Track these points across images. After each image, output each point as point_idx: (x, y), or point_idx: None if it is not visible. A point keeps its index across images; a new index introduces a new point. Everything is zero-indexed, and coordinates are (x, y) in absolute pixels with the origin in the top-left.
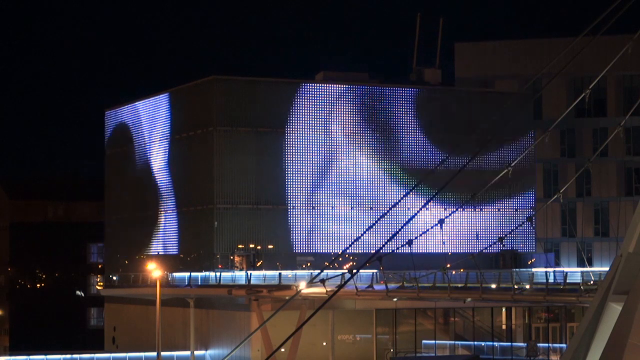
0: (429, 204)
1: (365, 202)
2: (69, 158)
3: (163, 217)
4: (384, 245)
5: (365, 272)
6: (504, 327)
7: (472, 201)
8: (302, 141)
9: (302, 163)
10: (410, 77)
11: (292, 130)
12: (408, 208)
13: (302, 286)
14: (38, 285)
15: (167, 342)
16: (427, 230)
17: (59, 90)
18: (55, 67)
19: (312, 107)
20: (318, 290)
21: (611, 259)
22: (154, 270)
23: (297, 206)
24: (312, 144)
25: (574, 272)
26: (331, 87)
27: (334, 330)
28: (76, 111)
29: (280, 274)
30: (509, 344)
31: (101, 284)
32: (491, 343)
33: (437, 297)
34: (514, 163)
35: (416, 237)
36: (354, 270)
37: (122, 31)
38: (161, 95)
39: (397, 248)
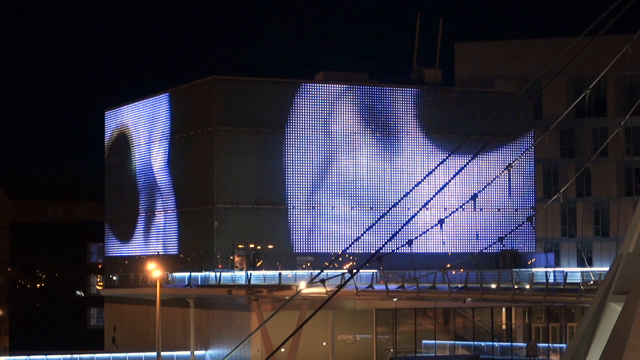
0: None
1: (365, 202)
2: (69, 158)
3: (163, 217)
4: (384, 245)
5: (365, 272)
6: (504, 327)
7: (472, 201)
8: (302, 141)
9: (302, 163)
10: (411, 77)
11: (292, 130)
12: (408, 208)
13: (302, 286)
14: (38, 285)
15: (167, 342)
16: (427, 230)
17: (58, 90)
18: (55, 67)
19: (312, 107)
20: (318, 290)
21: (611, 259)
22: (154, 270)
23: (297, 206)
24: (312, 144)
25: (574, 272)
26: (331, 87)
27: (334, 330)
28: (76, 111)
29: (280, 274)
30: (509, 344)
31: (101, 284)
32: (491, 343)
33: (437, 297)
34: (513, 163)
35: (416, 237)
36: (354, 270)
37: (122, 31)
38: (161, 95)
39: (397, 248)
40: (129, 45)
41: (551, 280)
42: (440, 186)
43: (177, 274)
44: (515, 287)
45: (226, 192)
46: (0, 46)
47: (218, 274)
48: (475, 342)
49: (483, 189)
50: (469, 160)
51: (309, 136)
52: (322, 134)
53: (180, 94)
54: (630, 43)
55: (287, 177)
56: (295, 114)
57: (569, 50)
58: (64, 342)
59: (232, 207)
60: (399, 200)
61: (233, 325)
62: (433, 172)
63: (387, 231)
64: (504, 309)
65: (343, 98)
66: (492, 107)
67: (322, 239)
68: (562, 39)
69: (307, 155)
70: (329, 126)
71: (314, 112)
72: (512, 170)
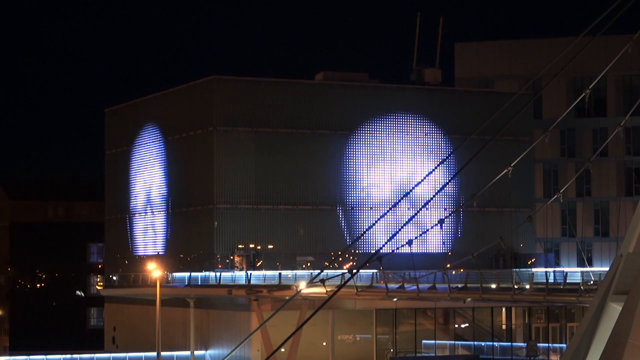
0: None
1: (366, 202)
2: (69, 158)
3: (163, 217)
4: (384, 245)
5: (365, 272)
6: (504, 327)
7: (472, 201)
8: (302, 141)
9: (302, 163)
10: (410, 77)
11: (292, 130)
12: (408, 208)
13: (302, 286)
14: (38, 285)
15: (167, 342)
16: (427, 230)
17: (59, 90)
18: (55, 67)
19: (311, 107)
20: (318, 290)
21: (611, 259)
22: (154, 270)
23: (298, 206)
24: (312, 144)
25: (574, 272)
26: (331, 87)
27: (334, 330)
28: (76, 111)
29: (280, 274)
30: (509, 344)
31: (101, 284)
32: (491, 343)
33: (437, 297)
34: (514, 163)
35: (416, 237)
36: (354, 270)
37: (122, 31)
38: (161, 95)
39: (397, 248)
40: (129, 45)
41: (551, 280)
42: (440, 186)
43: (177, 274)
44: (515, 287)
45: (226, 192)
46: (0, 47)
47: (218, 274)
48: (475, 342)
49: (484, 189)
50: (469, 160)
51: (309, 136)
52: (322, 134)
53: (180, 94)
54: (630, 43)
55: (286, 177)
56: (295, 114)
57: (569, 50)
58: (64, 342)
59: (232, 207)
60: (399, 200)
61: (233, 325)
62: (433, 172)
63: (387, 231)
64: (504, 309)
65: (343, 98)
66: (492, 107)
67: (322, 239)
68: (562, 39)
69: (307, 155)
70: (328, 126)
71: (314, 112)
72: (512, 170)
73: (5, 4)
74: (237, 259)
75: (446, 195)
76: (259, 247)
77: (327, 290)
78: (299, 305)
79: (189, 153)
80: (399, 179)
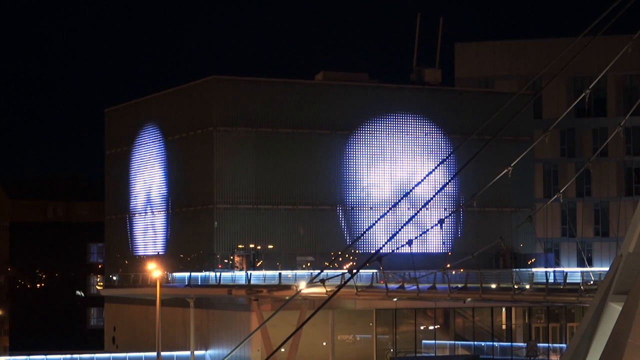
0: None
1: (366, 202)
2: (69, 158)
3: (163, 217)
4: (384, 245)
5: (365, 272)
6: (504, 327)
7: (472, 201)
8: (302, 141)
9: (302, 163)
10: (410, 77)
11: (292, 130)
12: (408, 208)
13: (302, 286)
14: (38, 285)
15: (167, 342)
16: (427, 230)
17: (59, 90)
18: (55, 67)
19: (311, 107)
20: (318, 290)
21: (611, 259)
22: (154, 270)
23: (298, 206)
24: (312, 144)
25: (574, 272)
26: (331, 87)
27: (334, 330)
28: (76, 111)
29: (280, 274)
30: (509, 344)
31: (101, 284)
32: (491, 343)
33: (437, 297)
34: (514, 163)
35: (416, 237)
36: (354, 270)
37: (122, 31)
38: (161, 95)
39: (397, 248)
40: (129, 45)
41: (551, 280)
42: (440, 186)
43: (177, 274)
44: (515, 287)
45: (226, 192)
46: (0, 47)
47: (218, 274)
48: (475, 342)
49: (484, 189)
50: (469, 160)
51: (309, 136)
52: (322, 134)
53: (180, 94)
54: (630, 43)
55: (287, 177)
56: (295, 114)
57: (569, 50)
58: (64, 342)
59: (232, 207)
60: (399, 200)
61: (233, 325)
62: (433, 172)
63: (387, 231)
64: (504, 309)
65: (343, 98)
66: (492, 107)
67: (322, 239)
68: (562, 39)
69: (308, 155)
70: (328, 126)
71: (314, 112)
72: (512, 170)
73: (5, 4)
74: (237, 259)
75: (446, 195)
76: (259, 247)
77: (327, 290)
78: (299, 305)
79: (189, 153)
80: (399, 179)
